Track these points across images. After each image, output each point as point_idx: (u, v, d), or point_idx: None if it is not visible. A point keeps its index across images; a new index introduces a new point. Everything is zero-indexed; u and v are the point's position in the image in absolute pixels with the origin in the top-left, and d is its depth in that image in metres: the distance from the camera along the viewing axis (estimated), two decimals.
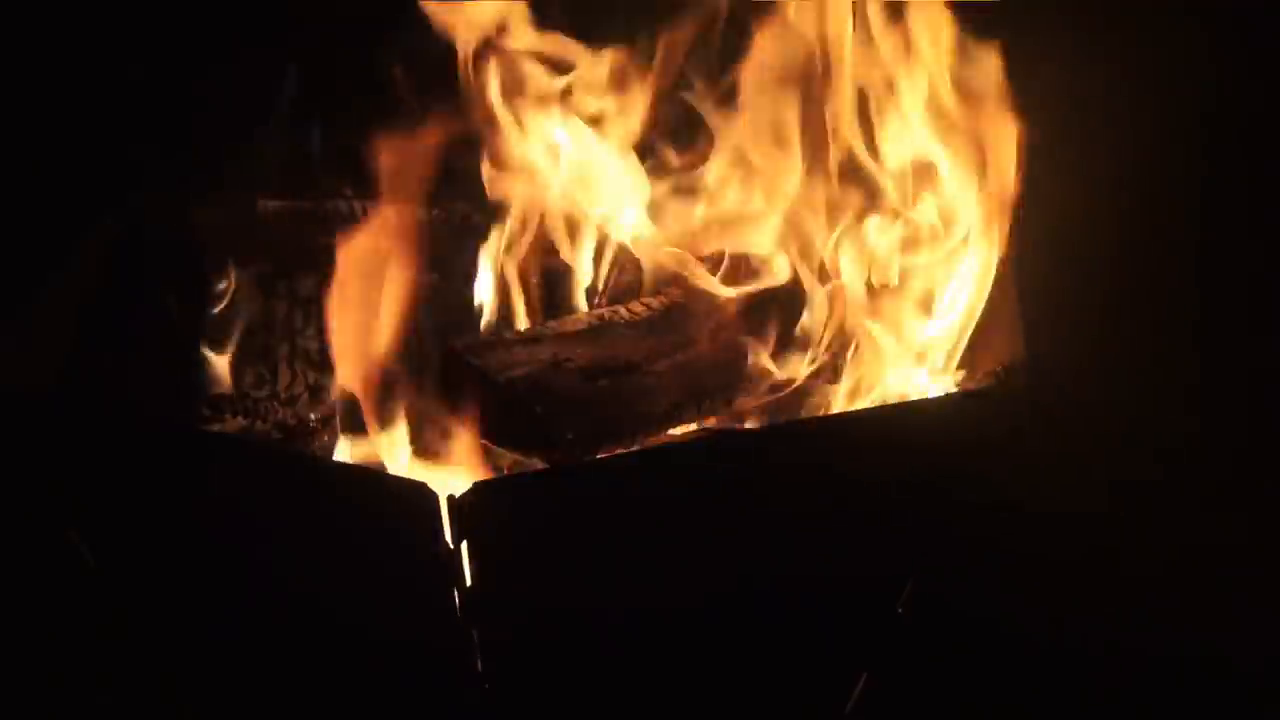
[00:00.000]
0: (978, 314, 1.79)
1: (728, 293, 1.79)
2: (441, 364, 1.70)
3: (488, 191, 1.86)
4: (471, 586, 1.43)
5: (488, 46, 1.82)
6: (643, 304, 1.81)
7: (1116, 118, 1.92)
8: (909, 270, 1.84)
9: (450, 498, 1.40)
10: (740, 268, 1.84)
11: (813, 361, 1.81)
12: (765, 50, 1.80)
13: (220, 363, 1.78)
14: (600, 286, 1.91)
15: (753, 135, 1.83)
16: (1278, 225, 1.97)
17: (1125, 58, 1.89)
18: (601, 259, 1.90)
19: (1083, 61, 1.87)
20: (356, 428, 1.76)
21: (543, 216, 1.87)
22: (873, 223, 1.83)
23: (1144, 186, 1.91)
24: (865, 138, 1.82)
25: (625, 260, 1.88)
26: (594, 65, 1.84)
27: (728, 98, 1.84)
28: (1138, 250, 1.95)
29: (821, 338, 1.81)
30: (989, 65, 1.77)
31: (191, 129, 1.97)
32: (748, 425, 1.80)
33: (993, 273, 1.79)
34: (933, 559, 1.66)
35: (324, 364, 1.83)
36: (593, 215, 1.86)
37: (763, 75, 1.81)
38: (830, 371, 1.83)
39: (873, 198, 1.83)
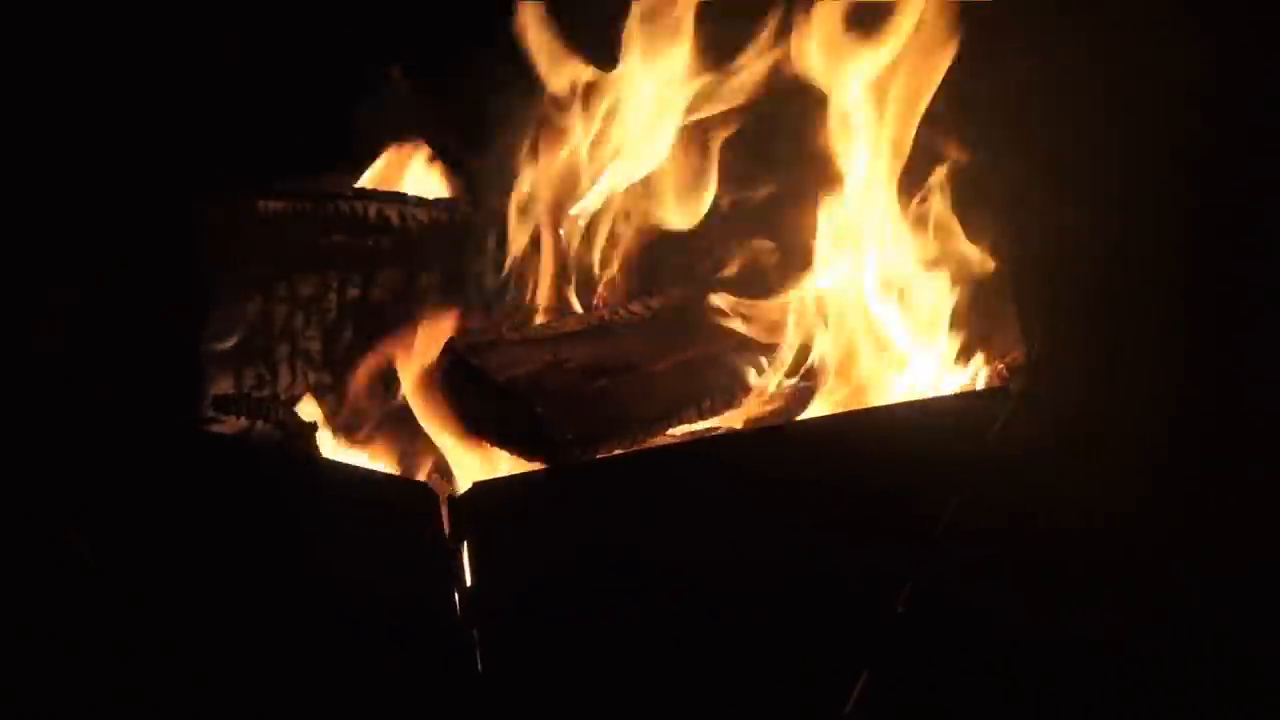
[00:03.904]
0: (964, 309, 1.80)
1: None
2: (441, 364, 1.70)
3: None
4: (471, 586, 1.43)
5: None
6: (642, 304, 1.82)
7: (1113, 126, 1.92)
8: (904, 272, 1.84)
9: (450, 497, 1.40)
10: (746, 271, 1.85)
11: (812, 364, 1.82)
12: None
13: (221, 363, 1.77)
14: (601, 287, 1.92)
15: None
16: (1268, 230, 1.97)
17: (1121, 71, 1.89)
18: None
19: (1079, 76, 1.88)
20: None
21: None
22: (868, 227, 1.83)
23: (1141, 190, 1.92)
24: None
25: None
26: None
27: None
28: (1137, 252, 1.95)
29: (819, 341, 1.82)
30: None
31: (195, 128, 1.98)
32: (747, 426, 1.80)
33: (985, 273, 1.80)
34: (932, 558, 1.66)
35: (325, 364, 1.83)
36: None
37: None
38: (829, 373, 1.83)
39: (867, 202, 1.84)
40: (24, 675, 1.73)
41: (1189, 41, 1.88)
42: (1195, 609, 1.82)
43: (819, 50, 1.79)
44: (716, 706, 1.59)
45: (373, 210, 1.84)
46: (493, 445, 1.66)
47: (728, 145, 1.87)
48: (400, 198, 1.87)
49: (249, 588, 1.58)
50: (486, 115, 1.91)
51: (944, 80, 1.77)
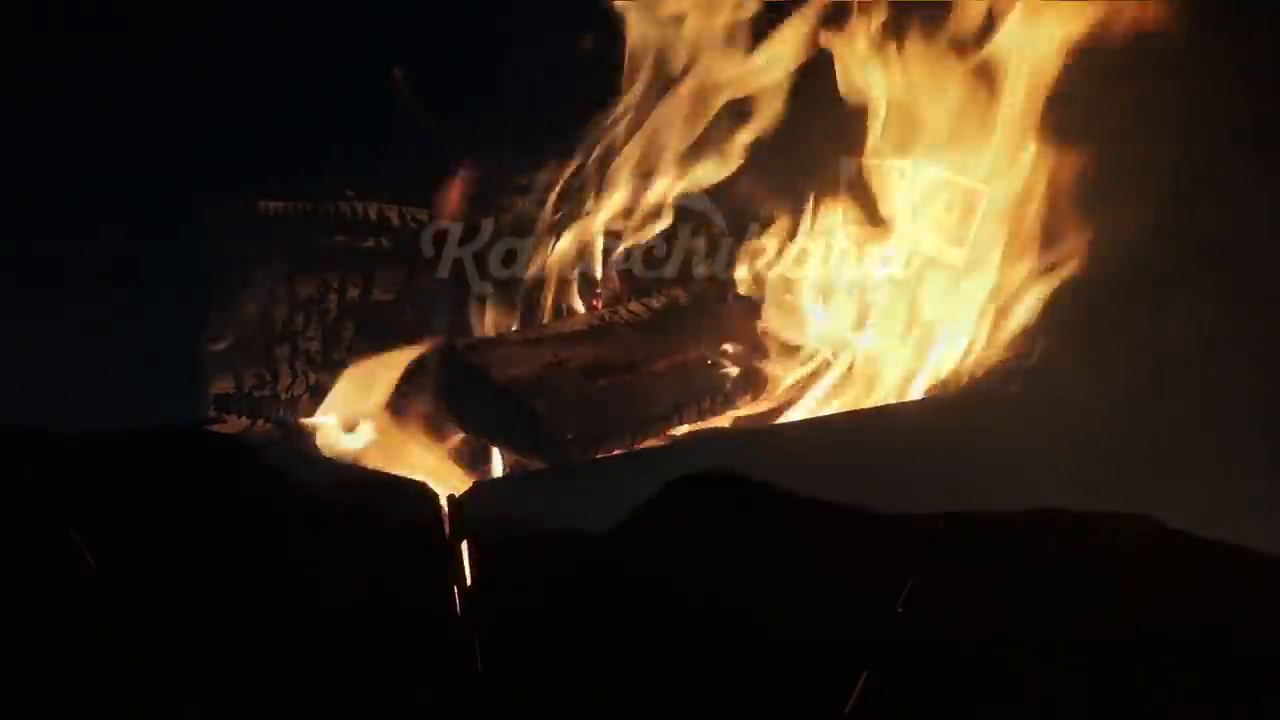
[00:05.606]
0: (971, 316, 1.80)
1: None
2: (442, 363, 1.70)
3: None
4: (471, 586, 1.43)
5: None
6: (642, 304, 1.82)
7: (1131, 137, 1.92)
8: (909, 277, 1.85)
9: (450, 498, 1.40)
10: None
11: (812, 364, 1.82)
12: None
13: (221, 363, 1.78)
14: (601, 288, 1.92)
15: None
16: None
17: (1149, 94, 1.89)
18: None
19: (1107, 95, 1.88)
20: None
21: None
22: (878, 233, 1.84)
23: (1151, 191, 1.92)
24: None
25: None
26: None
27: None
28: (1141, 254, 1.95)
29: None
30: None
31: (196, 128, 1.98)
32: (747, 426, 1.80)
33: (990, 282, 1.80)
34: (932, 557, 1.66)
35: (325, 364, 1.83)
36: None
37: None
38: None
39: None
40: (24, 676, 1.73)
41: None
42: (1196, 609, 1.82)
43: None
44: (716, 706, 1.59)
45: (373, 210, 1.84)
46: (493, 445, 1.66)
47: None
48: (400, 198, 1.87)
49: (249, 587, 1.58)
50: (493, 118, 1.92)
51: None
